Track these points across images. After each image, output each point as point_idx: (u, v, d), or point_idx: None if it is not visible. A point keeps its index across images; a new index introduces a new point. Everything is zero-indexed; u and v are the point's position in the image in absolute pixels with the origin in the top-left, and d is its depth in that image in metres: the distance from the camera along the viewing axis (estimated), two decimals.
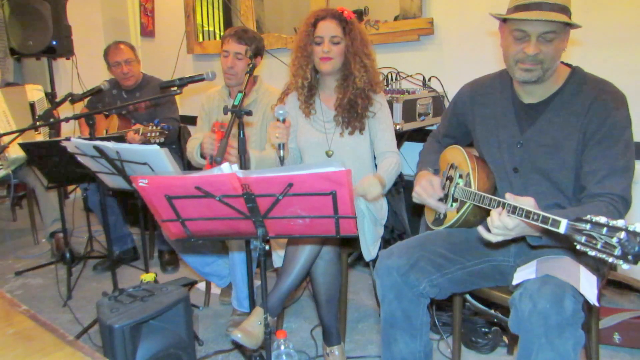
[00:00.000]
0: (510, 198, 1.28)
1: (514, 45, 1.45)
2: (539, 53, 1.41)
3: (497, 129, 1.61)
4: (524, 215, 1.22)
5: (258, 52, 2.36)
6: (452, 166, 1.72)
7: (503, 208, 1.28)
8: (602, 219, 1.03)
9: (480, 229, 1.34)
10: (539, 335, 1.24)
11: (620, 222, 1.00)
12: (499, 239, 1.31)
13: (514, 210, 1.25)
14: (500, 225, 1.28)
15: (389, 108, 2.16)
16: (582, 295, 1.28)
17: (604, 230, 1.02)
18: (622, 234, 0.99)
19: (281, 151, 1.80)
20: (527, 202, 1.26)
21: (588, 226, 1.05)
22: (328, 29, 2.02)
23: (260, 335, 1.76)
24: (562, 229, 1.11)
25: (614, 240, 1.00)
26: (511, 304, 1.36)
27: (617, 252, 1.00)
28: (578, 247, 1.07)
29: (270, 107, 2.34)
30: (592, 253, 1.04)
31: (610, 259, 1.01)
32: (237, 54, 2.33)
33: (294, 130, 2.13)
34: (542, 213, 1.17)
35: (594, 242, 1.04)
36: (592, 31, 2.18)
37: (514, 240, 1.58)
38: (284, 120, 1.83)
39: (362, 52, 2.04)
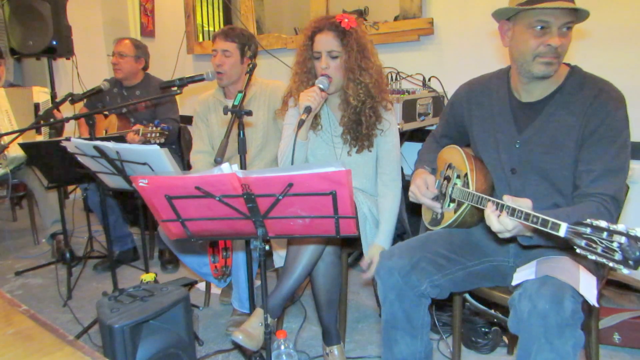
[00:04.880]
0: (508, 200, 1.28)
1: (534, 40, 1.40)
2: (560, 45, 1.39)
3: (494, 129, 1.60)
4: (522, 217, 1.21)
5: (250, 48, 2.34)
6: (449, 166, 1.71)
7: (502, 210, 1.28)
8: (603, 223, 1.02)
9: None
10: (539, 335, 1.24)
11: (620, 227, 0.99)
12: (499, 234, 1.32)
13: (512, 212, 1.24)
14: (502, 228, 1.28)
15: (397, 127, 2.06)
16: (581, 295, 1.28)
17: (605, 234, 1.01)
18: (623, 239, 0.98)
19: (305, 115, 1.74)
20: (525, 204, 1.25)
21: (588, 230, 1.04)
22: (325, 43, 1.88)
23: (261, 336, 1.76)
24: (561, 233, 1.11)
25: (615, 245, 0.99)
26: (510, 305, 1.35)
27: (618, 256, 0.98)
28: (578, 250, 1.07)
29: (275, 112, 2.30)
30: (592, 257, 1.04)
31: (611, 264, 1.00)
32: (224, 51, 2.32)
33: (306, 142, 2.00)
34: (541, 215, 1.16)
35: (594, 246, 1.03)
36: (592, 30, 2.18)
37: (512, 241, 1.58)
38: (322, 90, 1.81)
39: (359, 66, 1.87)
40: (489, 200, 1.37)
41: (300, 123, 1.75)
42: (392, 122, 2.00)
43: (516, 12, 1.43)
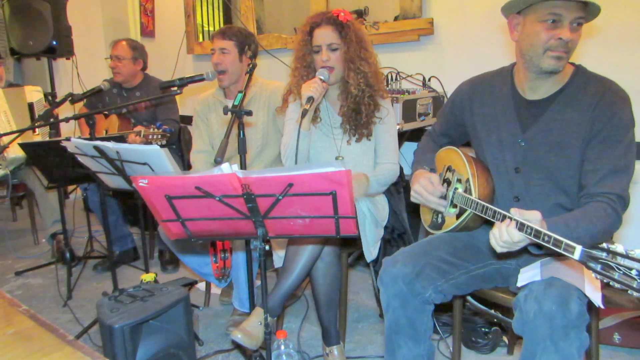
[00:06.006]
0: (515, 213, 1.25)
1: (545, 33, 1.39)
2: (570, 40, 1.38)
3: (497, 127, 1.58)
4: (532, 234, 1.19)
5: (250, 48, 2.34)
6: (449, 169, 1.69)
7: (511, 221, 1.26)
8: (619, 248, 1.00)
9: (492, 237, 1.31)
10: (544, 337, 1.24)
11: (638, 253, 0.97)
12: (504, 251, 1.30)
13: (521, 227, 1.22)
14: (508, 239, 1.26)
15: (394, 115, 2.11)
16: (586, 297, 1.28)
17: (621, 260, 0.99)
18: None
19: (308, 105, 1.78)
20: (533, 217, 1.23)
21: (604, 254, 1.02)
22: (324, 36, 1.94)
23: (260, 335, 1.76)
24: (576, 256, 1.09)
25: (634, 273, 0.97)
26: (515, 306, 1.35)
27: (636, 284, 0.96)
28: (594, 275, 1.05)
29: (275, 109, 2.31)
30: (610, 282, 1.02)
31: (629, 291, 0.98)
32: (222, 49, 2.31)
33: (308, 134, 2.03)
34: (553, 235, 1.14)
35: (611, 272, 1.00)
36: (599, 29, 2.18)
37: (516, 254, 1.56)
38: (323, 82, 1.83)
39: (358, 56, 1.95)
40: (496, 211, 1.33)
41: (304, 113, 1.79)
42: (389, 109, 2.05)
43: (528, 4, 1.41)
